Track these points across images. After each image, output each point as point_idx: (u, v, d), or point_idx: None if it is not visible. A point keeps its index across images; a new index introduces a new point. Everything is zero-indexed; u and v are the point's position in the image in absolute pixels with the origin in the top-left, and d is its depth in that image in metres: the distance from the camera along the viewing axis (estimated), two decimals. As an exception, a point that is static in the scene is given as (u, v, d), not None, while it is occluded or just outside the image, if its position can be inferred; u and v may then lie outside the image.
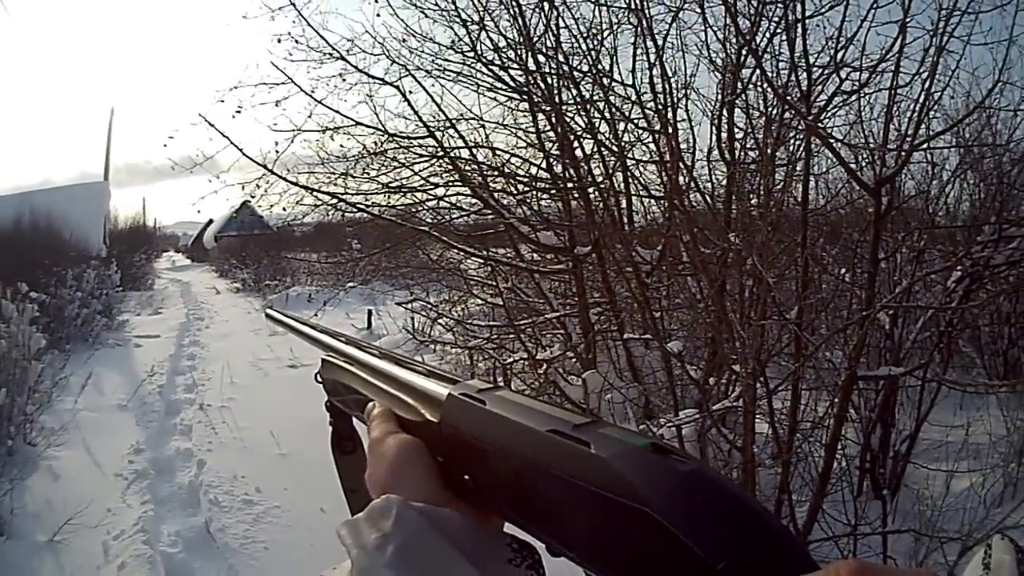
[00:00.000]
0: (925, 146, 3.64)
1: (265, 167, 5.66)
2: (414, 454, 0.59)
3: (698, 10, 4.31)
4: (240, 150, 5.46)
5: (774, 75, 3.90)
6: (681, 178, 4.47)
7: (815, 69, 3.66)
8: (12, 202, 20.95)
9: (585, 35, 5.02)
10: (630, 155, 5.26)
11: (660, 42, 4.59)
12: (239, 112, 5.70)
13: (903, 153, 3.45)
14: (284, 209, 6.35)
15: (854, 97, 3.84)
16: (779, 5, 3.78)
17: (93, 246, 20.06)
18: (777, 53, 3.98)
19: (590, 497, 0.43)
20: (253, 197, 6.21)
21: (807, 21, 3.57)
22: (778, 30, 3.88)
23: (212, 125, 5.26)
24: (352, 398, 0.78)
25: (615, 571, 0.42)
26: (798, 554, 0.38)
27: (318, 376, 0.86)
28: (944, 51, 3.30)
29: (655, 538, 0.39)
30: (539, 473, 0.48)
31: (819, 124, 3.66)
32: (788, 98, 3.69)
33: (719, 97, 4.55)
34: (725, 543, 0.37)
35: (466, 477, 0.56)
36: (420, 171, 6.07)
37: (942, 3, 3.28)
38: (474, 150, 5.94)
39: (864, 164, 3.81)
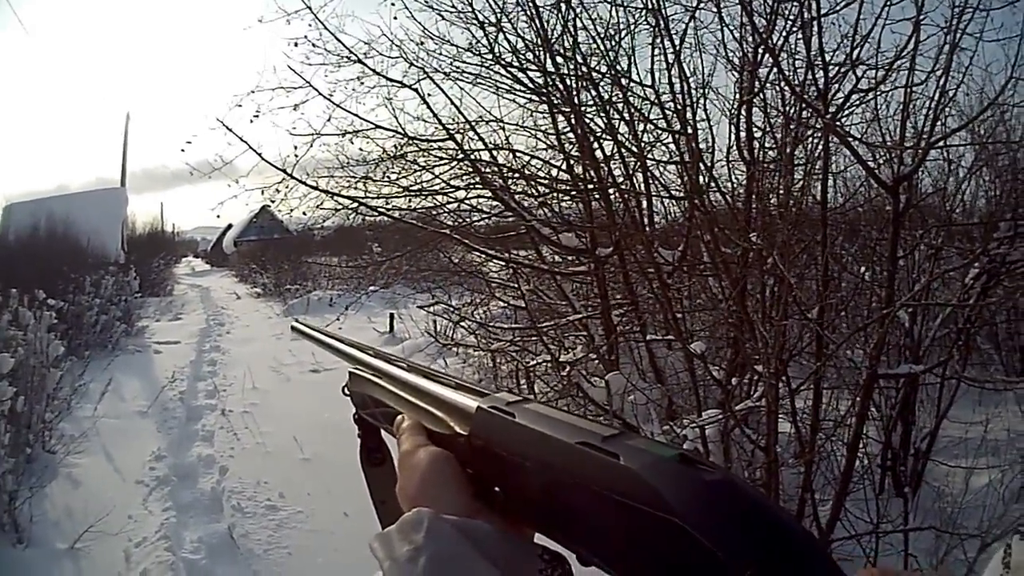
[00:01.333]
0: (941, 144, 3.70)
1: (284, 171, 5.72)
2: (445, 466, 0.62)
3: (714, 9, 4.37)
4: (259, 154, 5.53)
5: (791, 73, 3.97)
6: (701, 178, 4.54)
7: (831, 67, 3.70)
8: (28, 208, 21.47)
9: (602, 36, 5.08)
10: (650, 155, 5.31)
11: (677, 42, 4.67)
12: (257, 116, 5.76)
13: (920, 151, 3.50)
14: (304, 213, 6.46)
15: (870, 95, 3.89)
16: (794, 3, 3.84)
17: (111, 252, 20.47)
18: (794, 51, 4.04)
19: (619, 507, 0.45)
20: (273, 201, 6.28)
21: (822, 19, 3.62)
22: (794, 28, 3.93)
23: (230, 130, 5.35)
24: (380, 411, 0.81)
25: None
26: (822, 561, 0.41)
27: (346, 389, 0.89)
28: (957, 48, 3.37)
29: (683, 547, 0.41)
30: (569, 484, 0.50)
31: (837, 122, 3.71)
32: (805, 96, 3.74)
33: (737, 96, 4.62)
34: (751, 551, 0.40)
35: (496, 489, 0.58)
36: (440, 174, 6.11)
37: (954, 0, 3.34)
38: (494, 152, 5.97)
39: (882, 162, 3.85)
